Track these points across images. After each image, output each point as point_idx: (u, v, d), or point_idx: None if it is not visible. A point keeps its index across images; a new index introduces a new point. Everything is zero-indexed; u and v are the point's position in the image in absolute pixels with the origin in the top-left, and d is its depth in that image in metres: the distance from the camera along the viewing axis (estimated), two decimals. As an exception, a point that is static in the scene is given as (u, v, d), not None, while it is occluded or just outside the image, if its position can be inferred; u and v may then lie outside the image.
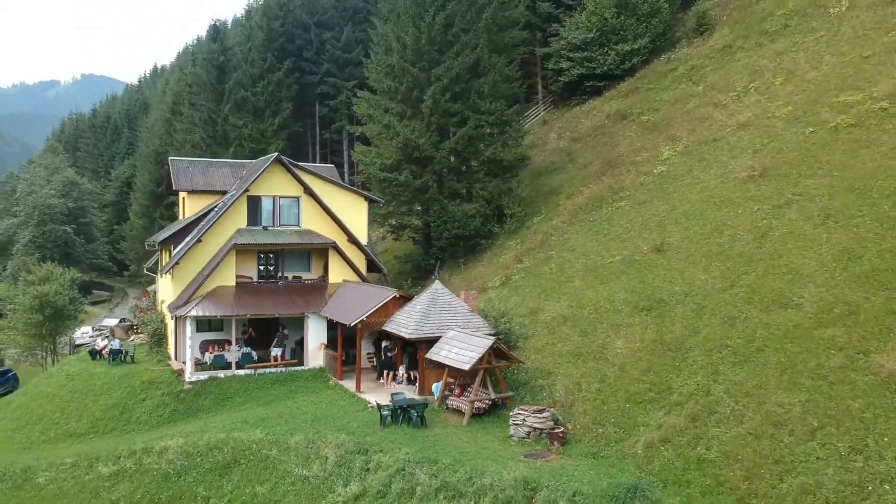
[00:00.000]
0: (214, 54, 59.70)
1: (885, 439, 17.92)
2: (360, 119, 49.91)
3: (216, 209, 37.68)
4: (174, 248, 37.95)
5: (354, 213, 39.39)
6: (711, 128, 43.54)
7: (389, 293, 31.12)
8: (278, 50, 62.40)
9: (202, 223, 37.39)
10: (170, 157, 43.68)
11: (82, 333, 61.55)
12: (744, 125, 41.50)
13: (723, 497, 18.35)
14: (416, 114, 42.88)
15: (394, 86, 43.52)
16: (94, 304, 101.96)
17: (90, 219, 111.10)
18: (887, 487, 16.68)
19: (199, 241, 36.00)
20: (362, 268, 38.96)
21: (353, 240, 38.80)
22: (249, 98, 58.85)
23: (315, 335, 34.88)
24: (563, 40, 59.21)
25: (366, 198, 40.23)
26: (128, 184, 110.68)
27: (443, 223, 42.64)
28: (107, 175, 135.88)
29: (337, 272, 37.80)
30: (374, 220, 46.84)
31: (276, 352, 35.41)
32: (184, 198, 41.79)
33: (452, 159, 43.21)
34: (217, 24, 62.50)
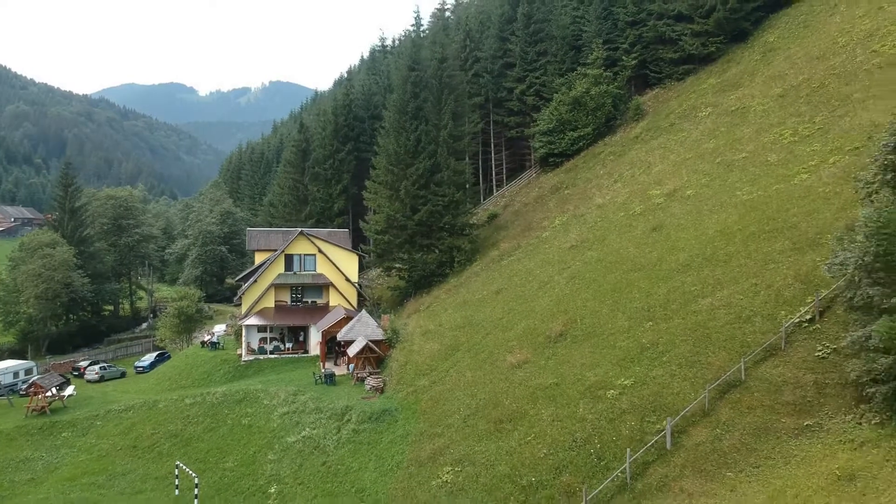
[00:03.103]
0: (300, 142, 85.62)
1: (503, 392, 39.49)
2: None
3: (268, 261, 62.90)
4: (244, 284, 63.65)
5: (350, 263, 63.34)
6: (586, 205, 63.74)
7: (341, 315, 54.91)
8: (342, 136, 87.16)
9: (259, 269, 62.76)
10: (247, 228, 69.92)
11: (217, 329, 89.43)
12: (599, 206, 61.59)
13: (416, 413, 40.64)
14: (397, 197, 66.19)
15: (384, 179, 67.16)
16: (237, 305, 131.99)
17: (241, 239, 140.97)
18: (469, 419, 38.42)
19: (255, 281, 61.38)
20: (354, 297, 62.89)
21: (348, 280, 62.83)
22: (321, 172, 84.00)
23: (314, 336, 59.15)
24: (536, 126, 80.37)
25: (357, 254, 64.34)
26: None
27: (412, 268, 65.87)
28: (259, 200, 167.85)
29: (335, 299, 61.99)
30: (376, 264, 70.90)
31: (284, 345, 60.15)
32: (254, 252, 67.60)
33: (420, 227, 66.22)
34: (303, 122, 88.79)
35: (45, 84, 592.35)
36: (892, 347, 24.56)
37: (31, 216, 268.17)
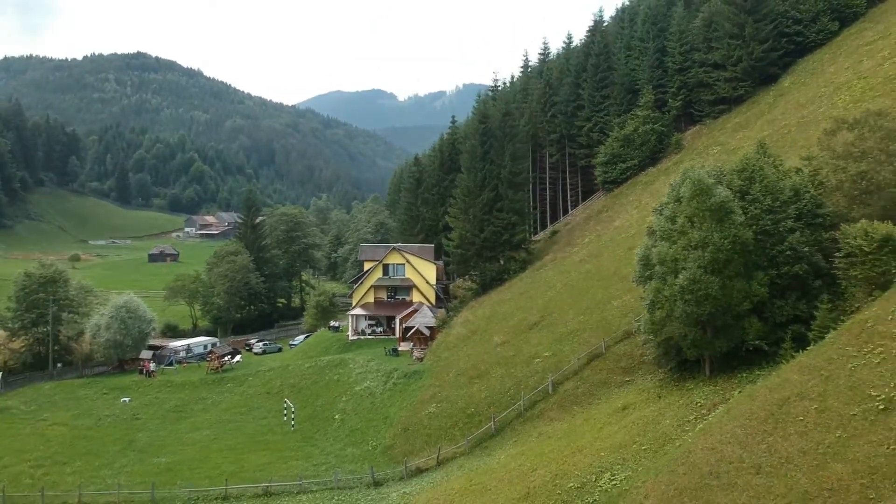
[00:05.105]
0: (415, 173, 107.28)
1: (483, 360, 58.53)
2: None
3: (371, 269, 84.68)
4: (355, 285, 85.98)
5: (430, 270, 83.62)
6: (608, 226, 79.66)
7: (413, 308, 75.47)
8: (446, 168, 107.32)
9: (365, 274, 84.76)
10: (360, 244, 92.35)
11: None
12: (615, 228, 77.30)
13: (433, 373, 60.22)
14: (468, 220, 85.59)
15: (460, 206, 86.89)
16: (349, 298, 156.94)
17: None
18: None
19: (361, 283, 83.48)
20: (432, 296, 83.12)
21: (428, 283, 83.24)
22: (429, 197, 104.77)
23: (399, 324, 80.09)
24: (597, 158, 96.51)
25: (436, 264, 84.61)
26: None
27: (481, 274, 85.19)
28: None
29: (417, 297, 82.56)
30: (458, 271, 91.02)
31: (379, 329, 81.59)
32: (364, 261, 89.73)
33: (485, 243, 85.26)
34: (418, 156, 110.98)
35: (260, 97, 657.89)
36: (649, 331, 41.08)
37: (241, 221, 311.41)
